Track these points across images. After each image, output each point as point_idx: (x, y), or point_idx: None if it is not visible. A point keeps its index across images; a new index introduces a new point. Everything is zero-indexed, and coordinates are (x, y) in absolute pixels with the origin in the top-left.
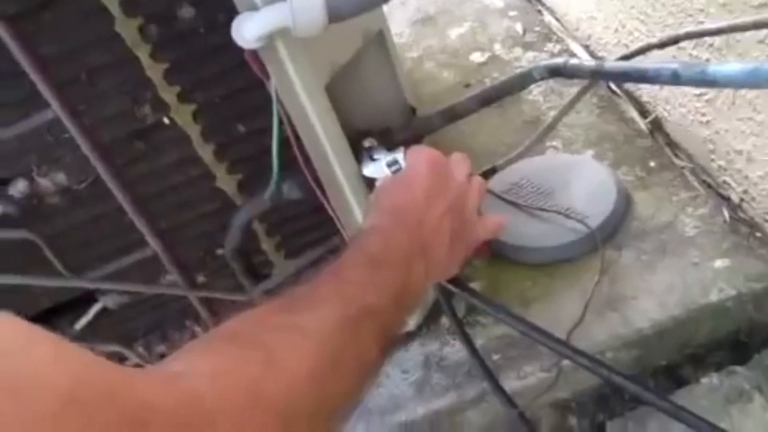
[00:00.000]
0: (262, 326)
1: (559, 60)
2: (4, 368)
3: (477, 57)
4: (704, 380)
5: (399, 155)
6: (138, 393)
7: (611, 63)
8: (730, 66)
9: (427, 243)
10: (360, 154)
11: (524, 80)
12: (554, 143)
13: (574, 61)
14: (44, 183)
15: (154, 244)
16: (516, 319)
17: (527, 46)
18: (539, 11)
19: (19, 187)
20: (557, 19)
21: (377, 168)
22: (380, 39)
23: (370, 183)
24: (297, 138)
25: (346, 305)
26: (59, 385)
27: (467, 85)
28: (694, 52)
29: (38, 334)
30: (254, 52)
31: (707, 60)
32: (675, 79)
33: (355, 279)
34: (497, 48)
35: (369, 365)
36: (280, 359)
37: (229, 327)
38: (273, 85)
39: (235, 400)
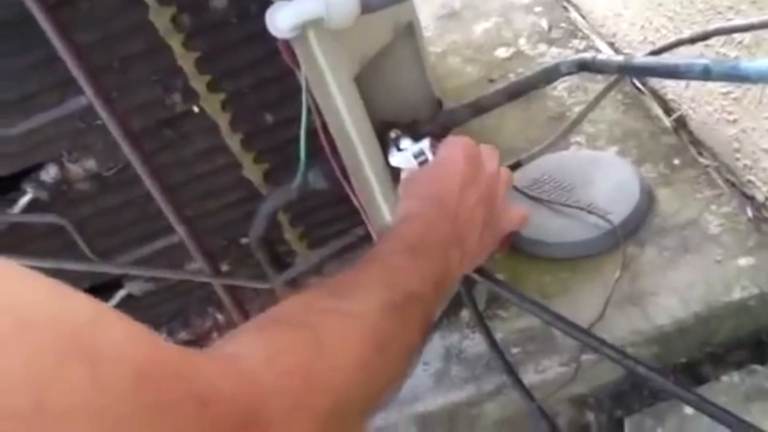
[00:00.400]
0: (310, 310)
1: (587, 54)
2: (82, 339)
3: (502, 52)
4: (724, 378)
5: (425, 145)
6: (201, 373)
7: (640, 58)
8: (763, 62)
9: (462, 232)
10: (386, 144)
11: (551, 74)
12: (578, 139)
13: (602, 55)
14: (74, 169)
15: (180, 231)
16: (542, 308)
17: (552, 42)
18: (565, 7)
19: (50, 173)
20: (582, 16)
21: (404, 158)
22: (410, 32)
23: (395, 173)
24: (325, 128)
25: (392, 291)
26: (133, 361)
27: (491, 80)
28: (723, 50)
29: (106, 307)
30: (286, 42)
31: (736, 57)
32: (706, 74)
33: (399, 265)
34: (522, 43)
35: (413, 351)
36: (329, 343)
37: (277, 311)
38: (303, 75)
39: (289, 382)
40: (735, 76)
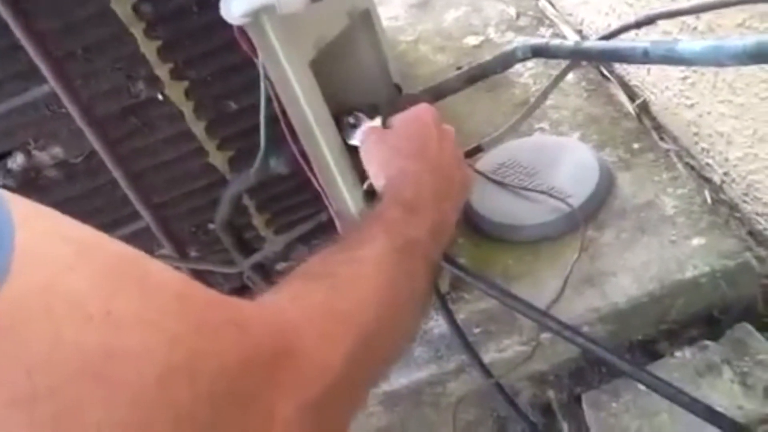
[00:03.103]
0: (326, 263)
1: (542, 39)
2: (132, 267)
3: (471, 40)
4: (677, 354)
5: (378, 122)
6: (236, 304)
7: (589, 42)
8: (695, 44)
9: (447, 182)
10: (343, 127)
11: (508, 59)
12: (542, 125)
13: (555, 40)
14: (41, 156)
15: (147, 217)
16: (499, 290)
17: (520, 30)
18: None
19: (17, 161)
20: (551, 4)
21: (359, 134)
22: (366, 18)
23: (354, 152)
24: (284, 113)
25: (393, 239)
26: (176, 287)
27: (459, 68)
28: (679, 37)
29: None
30: (242, 29)
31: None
32: (645, 56)
33: (395, 219)
34: (491, 32)
35: (420, 291)
36: (345, 285)
37: (297, 269)
38: (260, 61)
39: (313, 314)
40: (671, 58)
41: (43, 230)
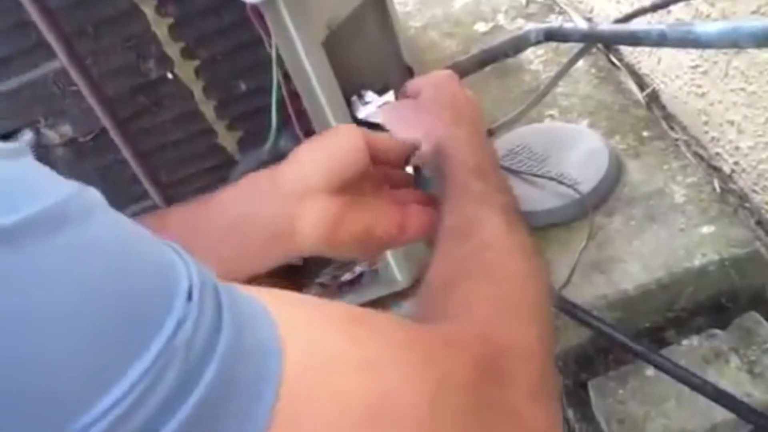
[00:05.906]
0: (458, 263)
1: (555, 23)
2: (344, 316)
3: (480, 27)
4: (685, 342)
5: (390, 97)
6: (433, 328)
7: (603, 26)
8: (713, 25)
9: (490, 142)
10: (355, 109)
11: (521, 42)
12: (552, 112)
13: (568, 24)
14: (50, 134)
15: (155, 197)
16: None
17: (530, 17)
18: None
19: (25, 138)
20: None
21: (370, 110)
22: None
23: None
24: (295, 92)
25: (494, 211)
26: (384, 325)
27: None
28: None
29: None
30: (255, 7)
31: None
32: (662, 39)
33: (481, 190)
34: (500, 18)
35: (534, 248)
36: (495, 274)
37: (431, 282)
38: (273, 40)
39: (490, 313)
40: (689, 40)
41: (271, 294)
